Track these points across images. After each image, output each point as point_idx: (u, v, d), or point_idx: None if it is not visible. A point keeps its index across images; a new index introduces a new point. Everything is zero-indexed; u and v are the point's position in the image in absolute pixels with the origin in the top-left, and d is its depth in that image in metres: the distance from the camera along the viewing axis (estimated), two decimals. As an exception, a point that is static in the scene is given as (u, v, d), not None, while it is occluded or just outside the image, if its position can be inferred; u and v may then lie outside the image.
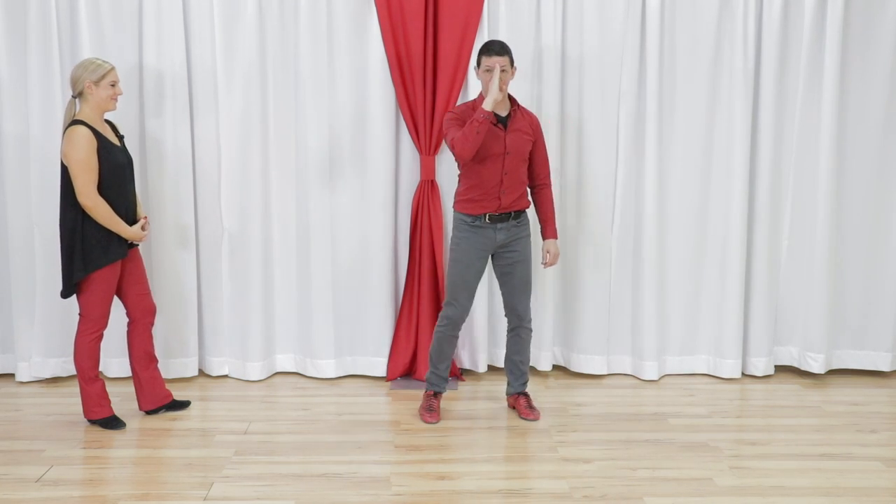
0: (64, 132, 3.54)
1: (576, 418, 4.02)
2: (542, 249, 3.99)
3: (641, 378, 4.61)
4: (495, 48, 3.68)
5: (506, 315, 4.02)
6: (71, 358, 4.51)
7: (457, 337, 3.95)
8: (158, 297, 4.38)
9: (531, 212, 4.47)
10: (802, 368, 4.66)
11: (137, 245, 3.83)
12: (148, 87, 4.27)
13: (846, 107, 4.50)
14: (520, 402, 4.07)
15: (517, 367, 4.06)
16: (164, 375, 4.47)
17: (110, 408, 3.82)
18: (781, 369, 4.79)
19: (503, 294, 3.96)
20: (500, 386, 4.49)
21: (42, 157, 4.30)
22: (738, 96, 4.41)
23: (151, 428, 3.84)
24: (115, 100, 3.62)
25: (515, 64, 4.19)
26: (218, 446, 3.65)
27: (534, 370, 4.75)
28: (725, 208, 4.53)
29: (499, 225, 3.82)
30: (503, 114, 3.78)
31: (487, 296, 4.56)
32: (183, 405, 4.06)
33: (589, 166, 4.51)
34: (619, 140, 4.46)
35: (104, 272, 3.61)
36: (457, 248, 3.86)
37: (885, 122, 4.49)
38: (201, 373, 4.64)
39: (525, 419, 4.00)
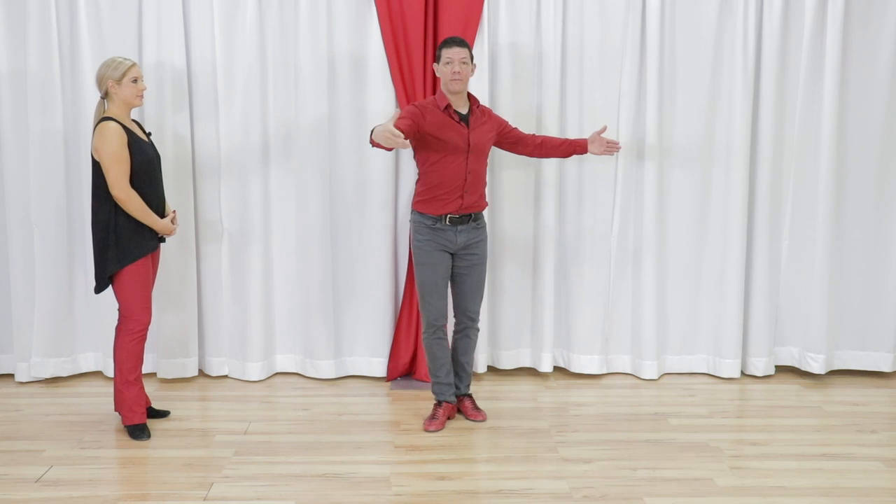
0: (94, 130, 3.57)
1: (576, 418, 4.02)
2: (594, 143, 3.99)
3: (641, 377, 4.61)
4: (456, 40, 3.69)
5: (455, 316, 3.98)
6: (70, 358, 4.51)
7: (444, 339, 3.89)
8: (158, 297, 4.38)
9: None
10: (803, 369, 4.65)
11: (164, 240, 3.84)
12: (148, 86, 4.25)
13: (846, 107, 4.50)
14: (465, 405, 4.03)
15: (463, 369, 4.03)
16: (164, 375, 4.47)
17: (143, 415, 3.76)
18: (782, 369, 4.79)
19: (455, 295, 3.94)
20: (501, 386, 4.49)
21: (42, 157, 4.30)
22: (738, 96, 4.41)
23: (152, 428, 3.83)
24: (141, 96, 3.64)
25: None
26: (218, 446, 3.65)
27: (534, 371, 4.74)
28: (725, 208, 4.53)
29: (459, 227, 3.79)
30: (464, 111, 3.77)
31: (488, 296, 4.56)
32: (161, 414, 4.00)
33: (589, 166, 4.51)
34: (618, 140, 4.45)
35: (138, 265, 3.63)
36: (419, 251, 3.81)
37: (885, 122, 4.48)
38: (201, 373, 4.64)
39: (473, 420, 3.97)
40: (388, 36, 4.30)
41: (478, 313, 3.97)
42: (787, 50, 4.46)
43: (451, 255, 3.85)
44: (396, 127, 3.48)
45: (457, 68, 3.66)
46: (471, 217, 3.83)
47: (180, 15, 4.25)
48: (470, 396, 4.06)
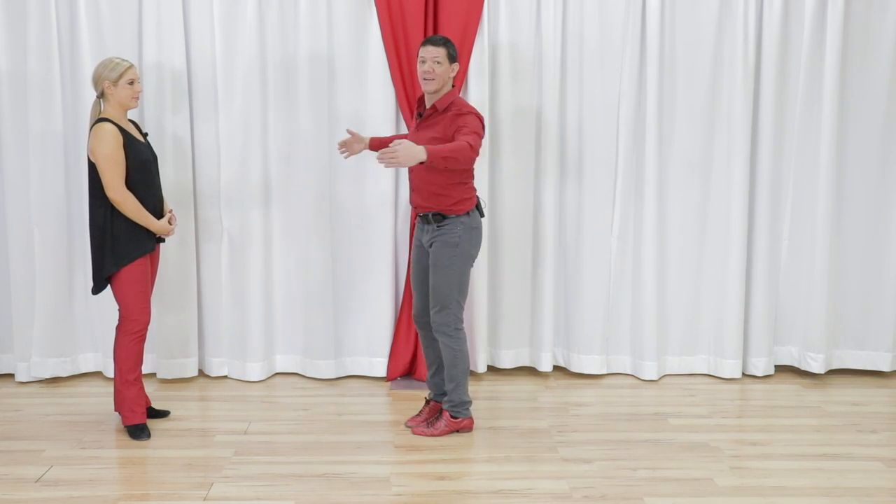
0: (90, 131, 3.57)
1: (576, 418, 4.02)
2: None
3: (641, 378, 4.61)
4: (432, 39, 3.63)
5: None
6: (70, 358, 4.51)
7: (426, 336, 3.86)
8: (158, 298, 4.38)
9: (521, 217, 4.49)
10: (802, 368, 4.65)
11: (163, 241, 3.84)
12: (147, 87, 4.26)
13: (846, 106, 4.50)
14: (427, 411, 3.93)
15: (441, 373, 3.90)
16: (163, 376, 4.47)
17: (143, 415, 3.76)
18: (781, 369, 4.79)
19: None
20: (500, 386, 4.49)
21: (42, 158, 4.30)
22: (738, 96, 4.41)
23: (152, 428, 3.83)
24: (136, 98, 3.63)
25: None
26: (218, 446, 3.65)
27: (534, 371, 4.74)
28: (725, 208, 4.53)
29: (425, 227, 3.75)
30: (427, 109, 3.70)
31: (487, 296, 4.56)
32: (161, 414, 4.00)
33: (588, 166, 4.51)
34: (618, 140, 4.46)
35: (136, 266, 3.63)
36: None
37: (885, 122, 4.49)
38: (201, 373, 4.64)
39: (413, 430, 3.81)
40: (388, 36, 4.30)
41: (437, 322, 3.71)
42: (787, 50, 4.46)
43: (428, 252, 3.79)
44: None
45: (427, 67, 3.59)
46: (430, 217, 3.71)
47: (180, 15, 4.25)
48: (440, 408, 3.90)
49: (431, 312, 3.74)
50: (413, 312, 3.92)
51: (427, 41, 3.65)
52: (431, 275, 3.71)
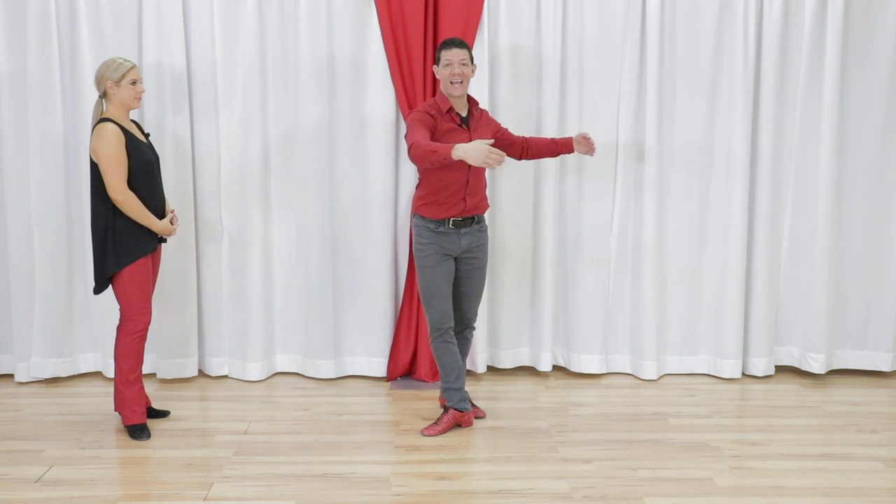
0: (92, 130, 3.57)
1: (576, 418, 4.02)
2: (580, 143, 3.94)
3: (641, 378, 4.61)
4: (455, 42, 3.65)
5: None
6: (70, 358, 4.51)
7: (451, 343, 3.79)
8: (158, 298, 4.38)
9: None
10: (803, 368, 4.66)
11: (165, 241, 3.84)
12: (148, 87, 4.26)
13: (846, 106, 4.50)
14: (447, 420, 3.92)
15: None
16: (163, 376, 4.47)
17: (143, 415, 3.76)
18: (782, 369, 4.79)
19: (456, 297, 3.88)
20: (500, 386, 4.49)
21: (42, 158, 4.30)
22: (738, 96, 4.41)
23: (152, 428, 3.83)
24: (139, 98, 3.63)
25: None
26: (218, 446, 3.65)
27: (534, 371, 4.75)
28: (726, 208, 4.53)
29: (462, 230, 3.75)
30: (464, 113, 3.74)
31: (487, 296, 4.56)
32: (161, 414, 4.00)
33: (588, 166, 4.51)
34: (618, 140, 4.46)
35: (137, 266, 3.63)
36: (422, 254, 3.75)
37: (885, 122, 4.49)
38: (201, 373, 4.64)
39: (477, 418, 3.99)
40: (387, 37, 4.30)
41: (476, 314, 3.98)
42: (787, 50, 4.46)
43: (454, 258, 3.82)
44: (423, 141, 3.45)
45: (457, 70, 3.61)
46: (474, 219, 3.80)
47: (180, 16, 4.25)
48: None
49: (473, 311, 3.92)
50: (439, 322, 3.77)
51: (450, 43, 3.65)
52: (476, 278, 3.86)
